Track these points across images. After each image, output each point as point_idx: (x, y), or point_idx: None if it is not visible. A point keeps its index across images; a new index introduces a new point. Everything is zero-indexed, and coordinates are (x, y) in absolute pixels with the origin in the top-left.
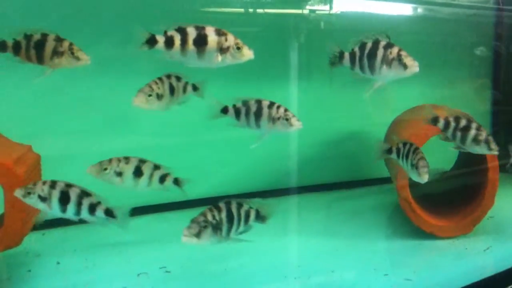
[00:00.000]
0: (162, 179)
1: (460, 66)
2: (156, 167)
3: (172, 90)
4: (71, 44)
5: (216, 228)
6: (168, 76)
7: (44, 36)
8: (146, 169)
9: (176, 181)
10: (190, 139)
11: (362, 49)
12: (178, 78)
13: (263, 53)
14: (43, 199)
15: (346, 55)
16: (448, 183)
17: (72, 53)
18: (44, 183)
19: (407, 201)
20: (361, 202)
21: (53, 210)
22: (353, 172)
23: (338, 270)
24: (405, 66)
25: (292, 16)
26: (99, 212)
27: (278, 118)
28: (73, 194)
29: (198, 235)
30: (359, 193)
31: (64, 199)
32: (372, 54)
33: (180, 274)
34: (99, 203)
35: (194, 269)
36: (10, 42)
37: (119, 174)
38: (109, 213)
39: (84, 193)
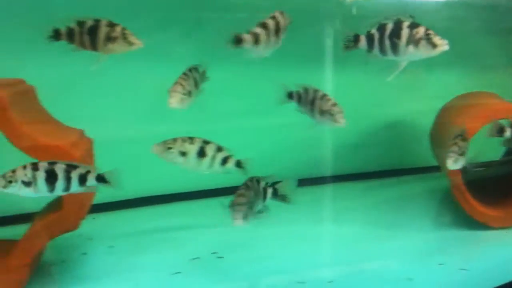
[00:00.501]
0: (224, 161)
1: (498, 53)
2: (219, 149)
3: (195, 82)
4: (123, 29)
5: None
6: (190, 70)
7: (97, 22)
8: (210, 150)
9: (238, 164)
10: (223, 126)
11: (381, 30)
12: (196, 69)
13: (297, 39)
14: (27, 184)
15: (362, 38)
16: (498, 171)
17: (125, 38)
18: (24, 167)
19: (460, 189)
20: (404, 191)
21: (41, 191)
22: (391, 160)
23: (390, 259)
24: (433, 45)
25: (327, 1)
26: (91, 180)
27: (326, 111)
28: (59, 170)
29: (246, 217)
30: (399, 182)
31: (51, 178)
32: (395, 35)
33: (232, 260)
34: (88, 172)
35: (245, 254)
36: (63, 30)
37: (183, 154)
38: (101, 179)
39: (71, 166)
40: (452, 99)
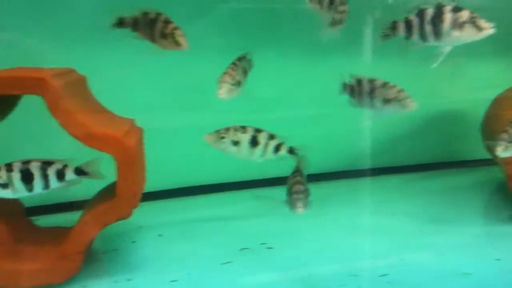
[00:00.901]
0: (277, 148)
1: None
2: (271, 136)
3: (244, 72)
4: (175, 28)
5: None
6: (239, 59)
7: (157, 15)
8: (262, 138)
9: (291, 150)
10: (264, 117)
11: (421, 16)
12: (245, 58)
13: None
14: (3, 186)
15: (401, 24)
16: None
17: (174, 37)
18: None
19: None
20: (453, 184)
21: (19, 192)
22: (435, 153)
23: (444, 253)
24: (479, 28)
25: None
26: (69, 174)
27: (392, 99)
28: (35, 168)
29: (306, 205)
30: (448, 176)
31: (27, 177)
32: (438, 19)
33: (282, 251)
34: (65, 166)
35: (294, 245)
36: (128, 19)
37: (236, 143)
38: (80, 172)
39: (46, 163)
40: (505, 90)
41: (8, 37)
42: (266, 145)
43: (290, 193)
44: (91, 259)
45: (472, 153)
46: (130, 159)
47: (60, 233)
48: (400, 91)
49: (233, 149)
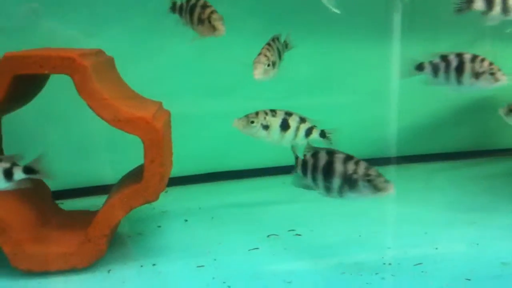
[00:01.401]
0: (308, 132)
1: None
2: (302, 120)
3: (279, 53)
4: (212, 12)
5: None
6: (273, 39)
7: (197, 1)
8: (293, 122)
9: (323, 134)
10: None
11: None
12: (279, 39)
13: (366, 13)
14: None
15: None
16: None
17: (210, 22)
18: None
19: None
20: (490, 173)
21: None
22: (465, 141)
23: (483, 242)
24: None
25: None
26: (18, 174)
27: (482, 73)
28: None
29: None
30: (484, 164)
31: None
32: None
33: (310, 238)
34: (14, 164)
35: (321, 232)
36: (178, 4)
37: (266, 127)
38: (29, 171)
39: None
40: None
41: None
42: (297, 128)
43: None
44: (116, 243)
45: (504, 142)
46: (158, 141)
47: (85, 217)
48: (491, 63)
49: (263, 133)
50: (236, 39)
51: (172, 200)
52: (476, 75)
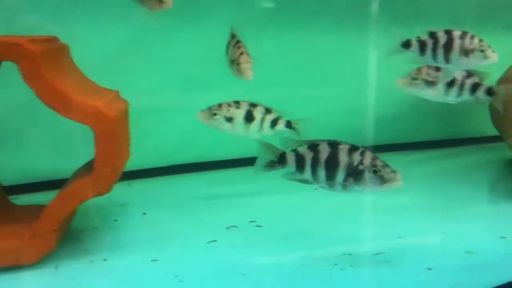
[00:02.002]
0: (274, 123)
1: None
2: (268, 110)
3: None
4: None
5: None
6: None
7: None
8: (258, 113)
9: (289, 124)
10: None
11: None
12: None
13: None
14: None
15: None
16: None
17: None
18: None
19: None
20: (461, 162)
21: None
22: (443, 130)
23: (449, 231)
24: None
25: None
26: None
27: (472, 50)
28: None
29: None
30: (457, 153)
31: None
32: None
33: (271, 229)
34: None
35: (285, 224)
36: None
37: (230, 119)
38: None
39: None
40: (509, 68)
41: None
42: (262, 120)
43: None
44: (69, 238)
45: (481, 130)
46: (110, 131)
47: (36, 212)
48: (481, 40)
49: (227, 125)
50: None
51: (133, 193)
52: (466, 52)
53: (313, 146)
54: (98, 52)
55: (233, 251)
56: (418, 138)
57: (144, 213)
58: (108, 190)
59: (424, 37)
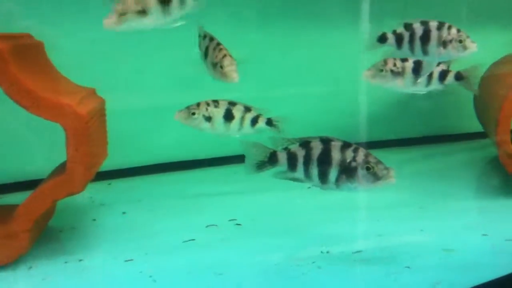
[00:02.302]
0: (254, 121)
1: None
2: (247, 109)
3: None
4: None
5: None
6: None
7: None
8: (237, 111)
9: (270, 122)
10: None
11: None
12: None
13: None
14: None
15: None
16: None
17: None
18: None
19: (510, 156)
20: (445, 159)
21: None
22: (431, 127)
23: (428, 229)
24: None
25: None
26: None
27: (450, 41)
28: None
29: None
30: (440, 150)
31: None
32: None
33: (251, 228)
34: None
35: (265, 223)
36: None
37: (209, 118)
38: None
39: None
40: (491, 65)
41: None
42: (242, 118)
43: None
44: (46, 237)
45: (466, 127)
46: (82, 129)
47: (8, 212)
48: (459, 31)
49: (206, 125)
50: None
51: (113, 192)
52: (444, 43)
53: (305, 144)
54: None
55: (210, 250)
56: (402, 135)
57: (124, 213)
58: (81, 189)
59: (400, 29)
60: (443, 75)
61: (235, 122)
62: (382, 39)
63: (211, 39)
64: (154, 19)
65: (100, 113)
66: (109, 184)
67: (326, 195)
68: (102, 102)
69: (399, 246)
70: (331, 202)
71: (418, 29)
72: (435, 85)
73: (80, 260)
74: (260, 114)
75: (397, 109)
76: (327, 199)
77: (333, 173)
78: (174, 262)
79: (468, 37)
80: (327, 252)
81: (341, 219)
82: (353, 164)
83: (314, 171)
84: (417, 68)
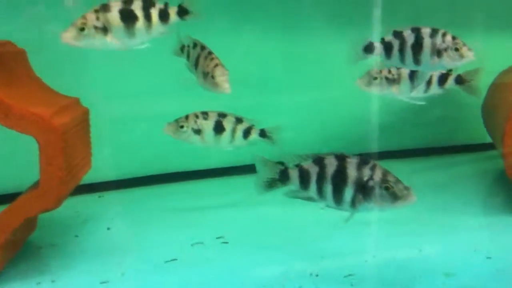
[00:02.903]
0: (247, 132)
1: None
2: (238, 120)
3: None
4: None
5: None
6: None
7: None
8: (228, 123)
9: (263, 133)
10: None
11: None
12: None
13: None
14: None
15: None
16: None
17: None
18: None
19: None
20: (450, 171)
21: None
22: (441, 137)
23: (428, 249)
24: None
25: None
26: None
27: (445, 49)
28: None
29: None
30: (446, 161)
31: None
32: None
33: (237, 246)
34: None
35: (253, 240)
36: None
37: (198, 131)
38: None
39: None
40: (500, 73)
41: None
42: (234, 130)
43: None
44: (23, 255)
45: (474, 137)
46: (56, 141)
47: None
48: (455, 38)
49: (196, 138)
50: None
51: (102, 205)
52: (438, 52)
53: (319, 160)
54: None
55: (191, 271)
56: (408, 146)
57: (108, 228)
58: (55, 205)
59: (389, 37)
60: (442, 79)
61: (226, 134)
62: (369, 49)
63: (202, 47)
64: (116, 39)
65: (81, 124)
66: (100, 196)
67: (321, 210)
68: (85, 112)
69: (394, 268)
70: (324, 217)
71: (409, 37)
72: (434, 90)
73: (53, 281)
74: (252, 125)
75: (400, 119)
76: (320, 213)
77: (348, 193)
78: (150, 285)
79: (464, 44)
80: (316, 275)
81: (334, 236)
82: (371, 183)
83: (328, 190)
84: (414, 74)
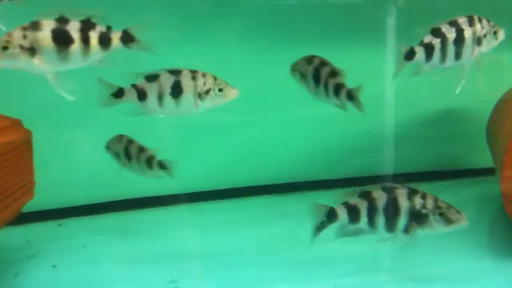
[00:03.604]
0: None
1: None
2: (141, 149)
3: None
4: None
5: None
6: None
7: None
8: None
9: (162, 165)
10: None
11: None
12: None
13: (355, 17)
14: None
15: None
16: None
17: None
18: None
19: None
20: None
21: None
22: (434, 160)
23: None
24: None
25: None
26: None
27: (484, 35)
28: None
29: None
30: (442, 186)
31: None
32: None
33: None
34: None
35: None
36: None
37: None
38: None
39: None
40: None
41: None
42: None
43: None
44: None
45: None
46: None
47: None
48: (489, 21)
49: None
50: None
51: (57, 236)
52: (478, 40)
53: (366, 195)
54: None
55: None
56: (405, 170)
57: (54, 266)
58: None
59: (428, 37)
60: (337, 89)
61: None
62: (410, 55)
63: None
64: (45, 62)
65: (20, 148)
66: (59, 225)
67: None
68: (27, 135)
69: None
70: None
71: (449, 31)
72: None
73: None
74: (153, 155)
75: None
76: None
77: (402, 222)
78: None
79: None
80: None
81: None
82: (424, 211)
83: (381, 223)
84: None
